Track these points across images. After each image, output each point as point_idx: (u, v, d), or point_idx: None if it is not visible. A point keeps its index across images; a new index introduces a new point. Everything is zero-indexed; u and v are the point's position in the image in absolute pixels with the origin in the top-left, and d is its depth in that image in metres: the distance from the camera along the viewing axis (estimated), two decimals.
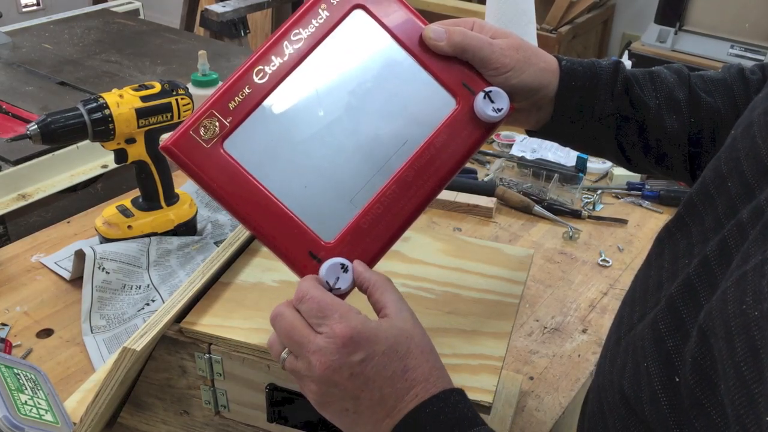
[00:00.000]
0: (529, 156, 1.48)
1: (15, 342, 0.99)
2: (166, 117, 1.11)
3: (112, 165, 1.36)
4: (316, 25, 0.64)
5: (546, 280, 1.17)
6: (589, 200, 1.39)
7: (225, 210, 0.63)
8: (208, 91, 1.45)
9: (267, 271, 0.79)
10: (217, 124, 0.62)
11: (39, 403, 0.80)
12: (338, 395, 0.56)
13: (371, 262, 0.64)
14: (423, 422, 0.54)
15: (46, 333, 1.01)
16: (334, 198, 0.63)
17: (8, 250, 1.19)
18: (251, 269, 0.79)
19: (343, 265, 0.61)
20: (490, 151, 1.55)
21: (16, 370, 0.83)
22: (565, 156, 1.47)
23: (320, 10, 0.65)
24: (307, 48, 0.64)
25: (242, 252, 0.82)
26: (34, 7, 4.38)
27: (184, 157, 0.61)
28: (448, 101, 0.66)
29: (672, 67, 0.75)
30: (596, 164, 1.46)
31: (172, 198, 1.18)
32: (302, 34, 0.64)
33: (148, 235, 1.15)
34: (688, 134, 0.72)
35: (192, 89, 1.35)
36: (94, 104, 1.05)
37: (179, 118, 1.12)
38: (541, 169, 1.44)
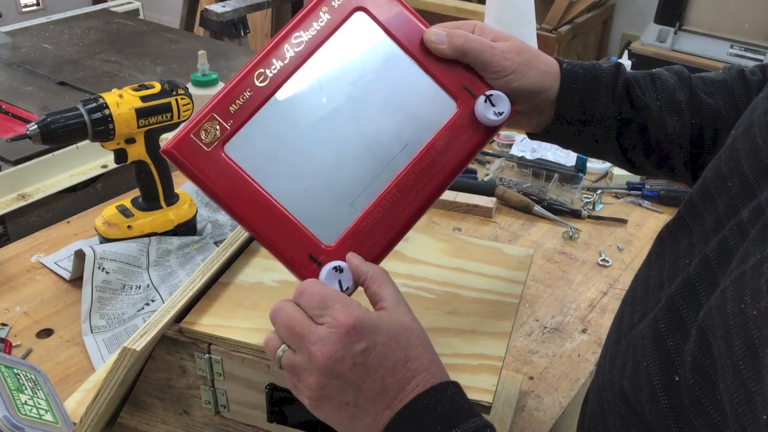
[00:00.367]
0: (529, 156, 1.48)
1: (15, 342, 0.99)
2: (166, 117, 1.11)
3: (112, 165, 1.36)
4: (317, 27, 0.64)
5: (546, 279, 1.17)
6: (588, 200, 1.39)
7: (225, 213, 0.63)
8: (208, 91, 1.46)
9: (267, 271, 0.79)
10: (218, 127, 0.62)
11: (39, 403, 0.80)
12: (339, 387, 0.55)
13: None
14: (421, 413, 0.54)
15: (46, 333, 1.01)
16: (334, 201, 0.63)
17: (8, 250, 1.19)
18: (251, 269, 0.79)
19: (336, 268, 0.61)
20: (490, 151, 1.55)
21: (16, 370, 0.83)
22: (565, 156, 1.47)
23: (321, 13, 0.64)
24: (308, 51, 0.64)
25: (242, 252, 0.82)
26: (34, 7, 4.38)
27: (185, 161, 0.61)
28: (449, 104, 0.66)
29: (672, 68, 0.76)
30: (596, 164, 1.46)
31: (171, 198, 1.18)
32: (303, 37, 0.64)
33: (148, 235, 1.15)
34: (689, 135, 0.72)
35: (192, 89, 1.34)
36: (94, 104, 1.05)
37: (179, 118, 1.12)
38: (541, 169, 1.44)
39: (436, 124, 0.65)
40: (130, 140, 1.09)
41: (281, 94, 0.63)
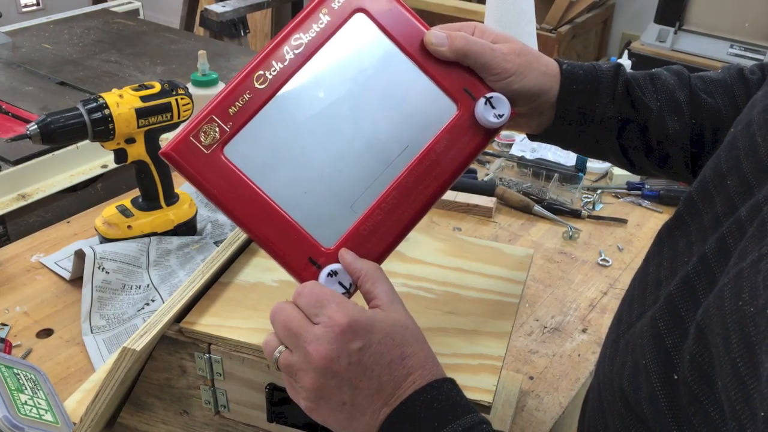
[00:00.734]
0: (529, 156, 1.48)
1: (15, 342, 0.99)
2: (166, 117, 1.11)
3: (112, 165, 1.36)
4: (317, 29, 0.64)
5: (546, 279, 1.17)
6: (588, 200, 1.39)
7: (225, 215, 0.63)
8: (208, 91, 1.46)
9: (267, 271, 0.79)
10: (217, 129, 0.61)
11: (39, 403, 0.80)
12: (335, 387, 0.55)
13: None
14: (417, 409, 0.54)
15: (46, 333, 1.01)
16: (334, 204, 0.63)
17: (8, 250, 1.19)
18: (251, 269, 0.79)
19: (330, 273, 0.61)
20: (490, 151, 1.55)
21: (16, 370, 0.83)
22: (565, 156, 1.47)
23: (321, 15, 0.64)
24: (308, 52, 0.64)
25: (242, 252, 0.82)
26: (34, 7, 4.38)
27: (184, 163, 0.61)
28: (449, 106, 0.66)
29: (672, 68, 0.76)
30: (596, 164, 1.46)
31: (171, 198, 1.18)
32: (303, 39, 0.64)
33: (148, 235, 1.15)
34: (689, 135, 0.72)
35: (192, 89, 1.35)
36: (94, 104, 1.05)
37: (179, 118, 1.12)
38: (541, 169, 1.44)
39: (436, 126, 0.65)
40: (130, 140, 1.09)
41: (281, 96, 0.63)
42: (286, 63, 0.63)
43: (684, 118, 0.72)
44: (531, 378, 0.96)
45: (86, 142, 1.10)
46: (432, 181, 0.64)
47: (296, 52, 0.63)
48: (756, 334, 0.40)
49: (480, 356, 0.69)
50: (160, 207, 1.16)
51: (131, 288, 1.08)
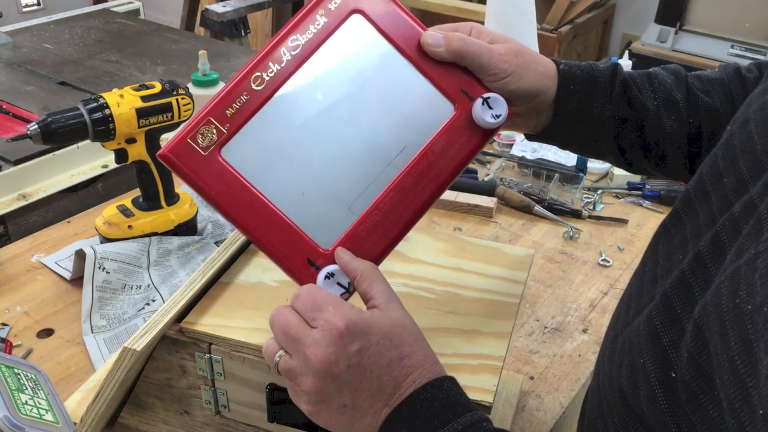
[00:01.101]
0: (529, 156, 1.48)
1: (15, 342, 0.99)
2: (167, 117, 1.11)
3: (113, 165, 1.36)
4: (314, 30, 0.64)
5: (546, 279, 1.17)
6: (589, 200, 1.39)
7: (222, 217, 0.63)
8: (209, 91, 1.46)
9: (267, 271, 0.79)
10: (214, 131, 0.61)
11: (39, 403, 0.80)
12: (335, 390, 0.55)
13: None
14: (418, 408, 0.54)
15: (46, 333, 1.01)
16: (332, 205, 0.63)
17: (8, 250, 1.19)
18: (251, 269, 0.79)
19: (328, 274, 0.61)
20: (491, 151, 1.55)
21: (16, 370, 0.83)
22: (565, 156, 1.47)
23: (318, 16, 0.64)
24: (305, 54, 0.64)
25: (242, 252, 0.82)
26: (35, 7, 4.38)
27: (182, 165, 0.61)
28: (446, 107, 0.66)
29: (669, 67, 0.76)
30: (596, 164, 1.46)
31: (172, 198, 1.18)
32: (300, 40, 0.64)
33: (149, 235, 1.15)
34: (687, 134, 0.72)
35: (192, 89, 1.35)
36: (95, 104, 1.05)
37: (179, 118, 1.12)
38: (542, 169, 1.44)
39: (433, 127, 0.65)
40: (131, 140, 1.09)
41: (278, 98, 0.63)
42: (283, 64, 0.63)
43: (681, 117, 0.72)
44: (531, 378, 0.96)
45: (87, 142, 1.10)
46: (430, 181, 0.64)
47: (293, 53, 0.63)
48: (754, 332, 0.40)
49: (480, 356, 0.69)
50: (161, 207, 1.16)
51: (132, 288, 1.08)
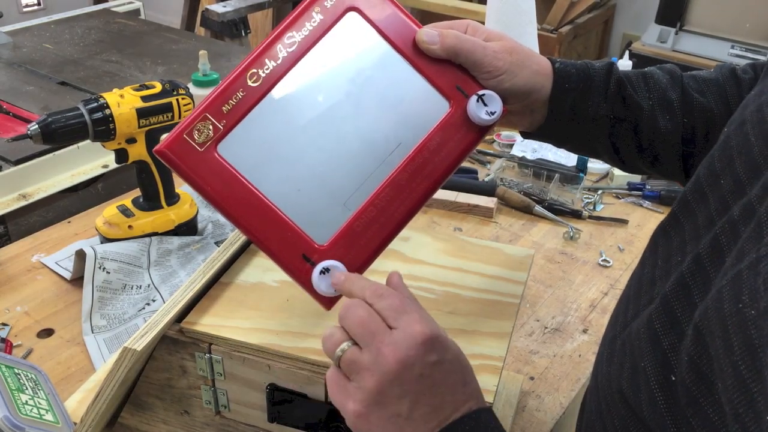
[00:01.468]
0: (529, 156, 1.48)
1: (15, 342, 0.99)
2: (167, 117, 1.11)
3: (113, 165, 1.36)
4: (310, 27, 0.64)
5: (546, 280, 1.17)
6: (589, 200, 1.39)
7: (219, 213, 0.63)
8: (209, 92, 1.45)
9: (267, 271, 0.79)
10: (210, 127, 0.62)
11: (39, 403, 0.80)
12: (397, 395, 0.54)
13: (365, 264, 0.64)
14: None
15: (46, 333, 1.01)
16: (327, 201, 0.63)
17: (9, 250, 1.19)
18: (252, 269, 0.79)
19: (323, 270, 0.61)
20: (491, 151, 1.55)
21: (16, 370, 0.83)
22: (565, 156, 1.47)
23: (314, 13, 0.64)
24: (301, 51, 0.64)
25: (243, 252, 0.82)
26: (35, 7, 4.38)
27: (178, 161, 0.61)
28: (441, 104, 0.66)
29: (665, 67, 0.76)
30: (597, 164, 1.46)
31: (172, 198, 1.18)
32: (296, 37, 0.64)
33: (149, 235, 1.15)
34: (681, 134, 0.72)
35: (193, 89, 1.35)
36: (95, 104, 1.05)
37: (180, 118, 1.12)
38: (542, 169, 1.44)
39: (428, 123, 0.65)
40: (131, 140, 1.09)
41: (274, 94, 0.63)
42: (279, 61, 0.63)
43: (676, 117, 0.72)
44: (531, 378, 0.96)
45: (87, 142, 1.10)
46: (425, 178, 0.65)
47: (289, 50, 0.64)
48: (759, 337, 0.40)
49: (480, 356, 0.69)
50: (161, 207, 1.16)
51: (132, 288, 1.08)
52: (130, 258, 1.09)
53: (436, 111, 0.66)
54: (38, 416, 0.77)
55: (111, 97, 1.06)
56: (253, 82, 0.63)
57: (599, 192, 1.41)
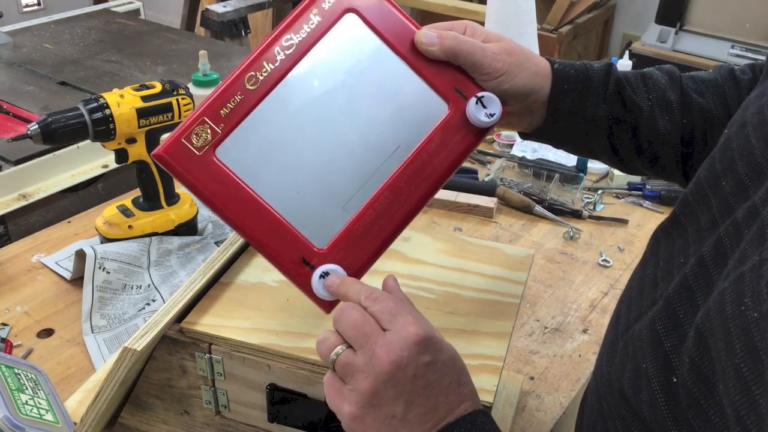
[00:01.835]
0: (529, 156, 1.48)
1: (15, 342, 0.99)
2: (167, 117, 1.11)
3: (113, 165, 1.36)
4: (308, 29, 0.64)
5: (546, 280, 1.17)
6: (589, 200, 1.39)
7: (218, 217, 0.63)
8: (209, 92, 1.45)
9: (267, 271, 0.79)
10: (208, 131, 0.61)
11: (39, 403, 0.80)
12: (392, 397, 0.54)
13: (365, 267, 0.64)
14: None
15: (46, 333, 1.01)
16: (326, 204, 0.63)
17: (9, 250, 1.19)
18: (252, 269, 0.79)
19: (323, 274, 0.61)
20: (491, 151, 1.55)
21: (16, 370, 0.83)
22: (565, 156, 1.47)
23: (312, 15, 0.64)
24: (299, 53, 0.64)
25: (243, 252, 0.82)
26: (35, 7, 4.38)
27: (176, 165, 0.61)
28: (440, 106, 0.66)
29: (663, 68, 0.76)
30: (597, 164, 1.46)
31: (172, 198, 1.18)
32: (294, 39, 0.64)
33: (149, 235, 1.15)
34: (680, 135, 0.72)
35: (193, 89, 1.35)
36: (95, 104, 1.05)
37: (180, 118, 1.12)
38: (542, 169, 1.44)
39: (427, 125, 0.65)
40: (131, 140, 1.09)
41: (272, 97, 0.63)
42: (277, 64, 0.63)
43: (675, 118, 0.72)
44: (531, 378, 0.96)
45: (87, 142, 1.10)
46: (424, 180, 0.65)
47: (287, 52, 0.63)
48: (761, 339, 0.40)
49: (480, 356, 0.69)
50: (161, 207, 1.16)
51: (132, 288, 1.08)
52: (130, 258, 1.10)
53: (434, 113, 0.66)
54: (38, 416, 0.77)
55: (111, 97, 1.06)
56: (251, 86, 0.62)
57: (599, 192, 1.41)
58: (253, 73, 0.63)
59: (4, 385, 0.79)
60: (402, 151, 0.64)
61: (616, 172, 1.44)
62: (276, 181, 0.62)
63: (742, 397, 0.41)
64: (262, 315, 0.72)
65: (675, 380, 0.49)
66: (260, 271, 0.79)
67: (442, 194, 1.33)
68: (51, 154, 1.35)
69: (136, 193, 1.20)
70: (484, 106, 0.65)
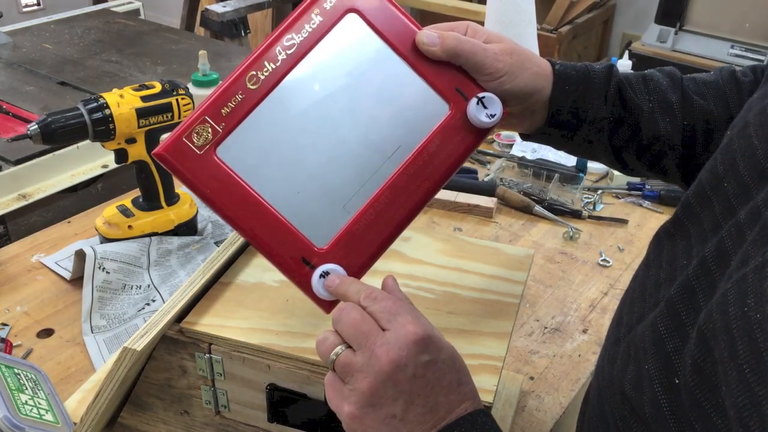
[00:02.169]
0: (529, 156, 1.48)
1: (15, 342, 0.99)
2: (167, 117, 1.11)
3: (113, 165, 1.36)
4: (310, 29, 0.64)
5: (546, 280, 1.17)
6: (589, 200, 1.39)
7: (218, 216, 0.63)
8: (209, 91, 1.45)
9: (267, 271, 0.79)
10: (209, 130, 0.61)
11: (39, 403, 0.80)
12: (391, 396, 0.54)
13: (365, 267, 0.64)
14: None
15: (46, 333, 1.01)
16: (326, 204, 0.63)
17: (9, 250, 1.19)
18: (251, 269, 0.79)
19: (323, 273, 0.61)
20: (491, 151, 1.55)
21: (16, 370, 0.83)
22: (565, 156, 1.47)
23: (313, 15, 0.64)
24: (300, 53, 0.64)
25: (243, 252, 0.82)
26: (35, 7, 4.38)
27: (177, 164, 0.61)
28: (441, 106, 0.66)
29: (665, 69, 0.76)
30: (597, 164, 1.46)
31: (172, 198, 1.18)
32: (295, 40, 0.64)
33: (149, 235, 1.15)
34: (681, 137, 0.72)
35: (192, 89, 1.35)
36: (95, 104, 1.05)
37: (180, 118, 1.12)
38: (542, 169, 1.44)
39: (428, 126, 0.65)
40: (131, 140, 1.09)
41: (273, 97, 0.63)
42: (278, 63, 0.63)
43: (676, 120, 0.72)
44: (531, 378, 0.96)
45: (87, 142, 1.10)
46: (424, 180, 0.65)
47: (288, 52, 0.63)
48: (764, 340, 0.40)
49: (480, 356, 0.69)
50: (161, 207, 1.16)
51: (132, 288, 1.08)
52: (130, 258, 1.10)
53: (435, 113, 0.66)
54: (38, 416, 0.77)
55: (111, 97, 1.06)
56: (252, 85, 0.62)
57: (599, 192, 1.41)
58: (254, 72, 0.63)
59: (3, 385, 0.79)
60: (403, 151, 0.64)
61: (616, 172, 1.44)
62: (276, 181, 0.62)
63: (745, 399, 0.40)
64: (261, 315, 0.72)
65: (677, 382, 0.49)
66: (260, 271, 0.79)
67: (442, 194, 1.33)
68: (51, 154, 1.35)
69: (136, 193, 1.20)
70: (485, 107, 0.65)
